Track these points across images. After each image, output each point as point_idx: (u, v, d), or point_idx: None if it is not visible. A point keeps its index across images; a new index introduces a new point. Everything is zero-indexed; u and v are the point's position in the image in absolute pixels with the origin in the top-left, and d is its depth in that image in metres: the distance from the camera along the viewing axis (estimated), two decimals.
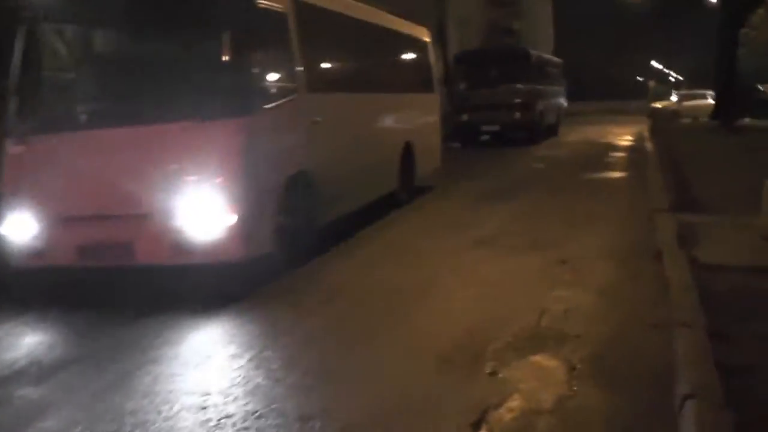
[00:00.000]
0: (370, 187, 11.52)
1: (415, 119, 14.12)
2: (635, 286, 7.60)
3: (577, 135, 29.82)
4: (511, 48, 31.33)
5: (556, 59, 33.91)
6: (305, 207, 8.83)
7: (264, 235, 7.90)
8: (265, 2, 8.29)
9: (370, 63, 12.22)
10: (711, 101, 36.75)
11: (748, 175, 14.69)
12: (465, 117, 25.81)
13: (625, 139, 27.09)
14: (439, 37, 31.36)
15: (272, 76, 8.45)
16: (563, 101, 32.97)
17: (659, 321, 6.30)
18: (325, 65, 10.39)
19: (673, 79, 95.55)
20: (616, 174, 16.68)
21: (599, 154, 21.19)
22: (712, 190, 12.91)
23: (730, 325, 5.83)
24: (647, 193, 13.04)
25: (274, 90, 8.37)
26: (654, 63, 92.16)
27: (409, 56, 14.37)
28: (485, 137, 26.57)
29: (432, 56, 15.34)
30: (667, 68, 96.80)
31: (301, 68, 9.06)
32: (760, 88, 41.73)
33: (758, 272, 7.57)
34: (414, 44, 14.47)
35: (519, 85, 25.56)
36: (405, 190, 13.19)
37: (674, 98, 46.11)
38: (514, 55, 26.86)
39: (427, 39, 15.16)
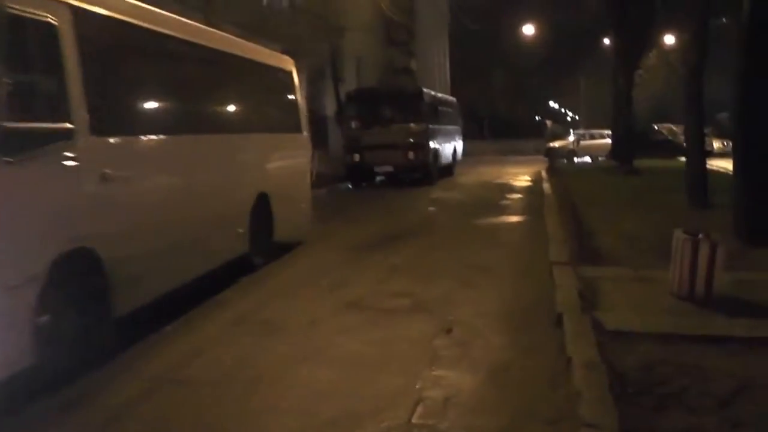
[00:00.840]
0: (200, 257, 9.00)
1: (274, 165, 11.55)
2: (531, 364, 6.29)
3: (474, 175, 28.82)
4: (404, 87, 30.22)
5: (451, 98, 33.03)
6: (89, 297, 6.48)
7: (15, 345, 5.56)
8: (23, 8, 5.76)
9: (202, 96, 9.66)
10: (608, 141, 36.51)
11: (651, 219, 13.76)
12: (357, 158, 24.46)
13: (523, 180, 26.15)
14: (333, 73, 30.02)
15: (30, 113, 5.83)
16: (459, 141, 32.00)
17: (558, 415, 5.09)
18: (123, 98, 7.56)
19: (569, 119, 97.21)
20: (513, 219, 15.47)
21: (496, 197, 20.06)
22: (615, 237, 11.82)
23: (645, 418, 4.93)
24: (546, 241, 11.78)
25: (31, 132, 5.79)
26: (552, 103, 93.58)
27: (263, 89, 11.84)
28: (380, 178, 25.26)
29: (298, 90, 12.95)
30: (564, 108, 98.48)
31: (82, 102, 6.42)
32: (656, 127, 42.01)
33: (673, 341, 6.49)
34: (272, 74, 12.04)
35: (413, 125, 24.39)
36: (261, 251, 10.74)
37: (572, 138, 45.94)
38: (407, 94, 25.72)
39: (290, 69, 12.69)
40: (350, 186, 24.36)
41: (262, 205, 10.72)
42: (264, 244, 10.84)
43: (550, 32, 50.12)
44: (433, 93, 27.00)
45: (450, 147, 28.66)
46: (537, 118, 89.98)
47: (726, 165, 19.71)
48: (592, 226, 12.85)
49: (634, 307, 7.73)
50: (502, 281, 9.55)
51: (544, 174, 26.87)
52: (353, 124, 25.17)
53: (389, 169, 24.42)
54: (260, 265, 10.62)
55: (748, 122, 11.22)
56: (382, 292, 9.04)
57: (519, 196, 20.43)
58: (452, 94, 38.81)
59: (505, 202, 18.80)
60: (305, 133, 13.10)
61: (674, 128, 44.60)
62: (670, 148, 37.95)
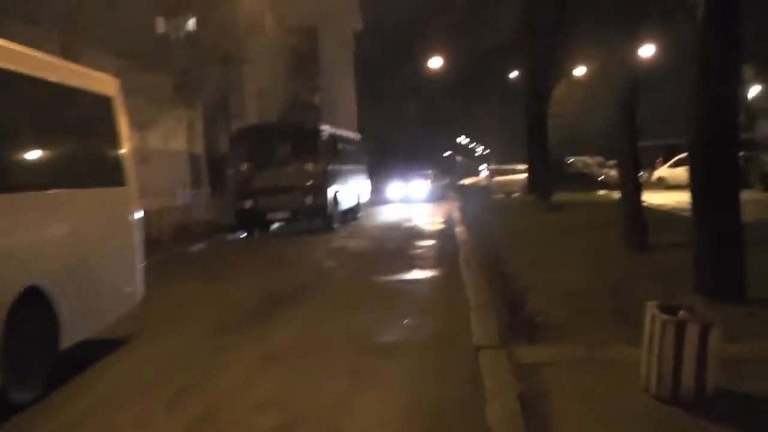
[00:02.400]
0: None
1: (64, 238, 7.51)
2: None
3: (381, 218, 26.33)
4: (300, 123, 27.26)
5: (354, 135, 30.37)
6: None
7: None
8: None
9: None
10: (522, 176, 34.76)
11: (589, 266, 11.53)
12: (249, 203, 21.69)
13: (435, 222, 23.65)
14: (224, 108, 27.28)
15: None
16: (365, 181, 29.49)
17: None
18: None
19: (480, 154, 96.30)
20: (424, 274, 12.89)
21: (404, 244, 17.49)
22: (553, 295, 9.45)
23: None
24: (467, 307, 9.31)
25: None
26: (461, 138, 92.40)
27: (52, 121, 7.74)
28: (278, 224, 22.54)
29: (122, 124, 8.98)
30: (475, 142, 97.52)
31: None
32: (570, 160, 40.62)
33: None
34: (71, 100, 8.04)
35: (310, 165, 21.78)
36: (31, 378, 6.76)
37: (484, 173, 44.11)
38: (303, 131, 22.96)
39: (108, 93, 8.80)
40: (242, 235, 21.49)
41: (32, 305, 6.78)
42: (37, 365, 6.87)
43: (459, 64, 48.60)
44: (332, 129, 24.38)
45: (354, 188, 26.01)
46: (447, 153, 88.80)
47: (650, 198, 17.54)
48: (522, 281, 10.49)
49: (599, 418, 5.33)
50: (409, 376, 6.98)
51: (456, 214, 24.58)
52: (243, 166, 22.42)
53: (285, 215, 21.66)
54: (27, 404, 6.57)
55: (710, 158, 9.05)
56: (244, 403, 6.38)
57: (431, 242, 17.85)
58: (361, 132, 36.54)
59: (415, 251, 16.27)
60: (130, 185, 9.09)
61: (589, 160, 43.47)
62: (586, 181, 36.73)
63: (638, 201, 13.91)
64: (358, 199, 26.92)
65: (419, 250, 16.29)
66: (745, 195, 9.63)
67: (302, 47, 37.46)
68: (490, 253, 13.61)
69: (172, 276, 13.87)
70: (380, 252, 16.34)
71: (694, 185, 9.30)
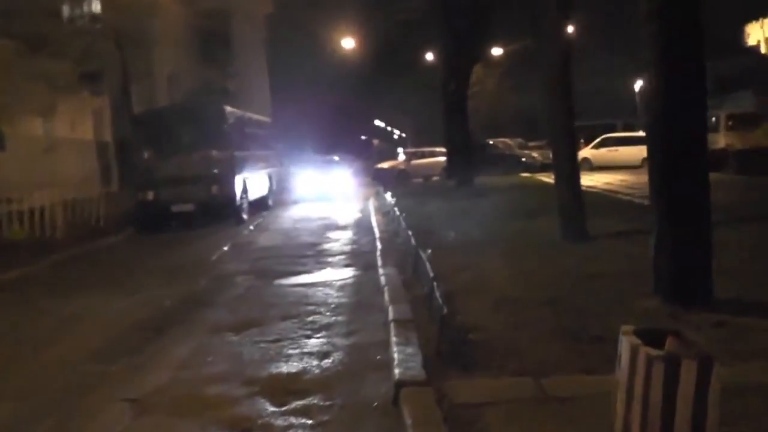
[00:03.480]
0: None
1: None
2: None
3: (294, 208, 24.48)
4: (203, 104, 25.07)
5: (263, 118, 28.30)
6: None
7: None
8: None
9: None
10: (441, 159, 33.48)
11: (527, 265, 10.14)
12: (150, 195, 19.70)
13: (351, 211, 21.99)
14: (124, 94, 25.11)
15: None
16: (277, 168, 27.64)
17: None
18: None
19: (397, 137, 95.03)
20: (338, 275, 11.15)
21: (317, 238, 15.80)
22: (488, 303, 8.03)
23: None
24: (383, 319, 7.76)
25: None
26: (377, 121, 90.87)
27: None
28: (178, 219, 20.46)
29: None
30: (391, 126, 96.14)
31: None
32: (490, 142, 39.53)
33: None
34: None
35: (215, 152, 19.89)
36: None
37: (402, 157, 42.68)
38: (206, 114, 20.90)
39: None
40: (140, 230, 19.41)
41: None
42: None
43: (373, 46, 47.14)
44: (239, 112, 22.47)
45: (264, 176, 24.09)
46: (363, 137, 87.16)
47: None
48: (448, 283, 8.97)
49: None
50: None
51: (373, 201, 23.04)
52: (145, 154, 20.44)
53: (190, 207, 19.66)
54: None
55: (673, 139, 7.69)
56: None
57: (347, 235, 16.17)
58: (274, 118, 34.75)
59: (326, 245, 14.61)
60: None
61: (509, 141, 42.50)
62: (507, 164, 35.73)
63: (577, 186, 12.60)
64: (270, 187, 25.09)
65: (334, 245, 14.65)
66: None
67: (214, 30, 36.05)
68: (410, 249, 12.09)
69: (51, 286, 12.00)
70: (290, 248, 14.60)
71: (654, 170, 7.94)
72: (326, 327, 7.93)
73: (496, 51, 39.75)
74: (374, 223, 16.93)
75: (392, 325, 7.28)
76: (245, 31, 46.75)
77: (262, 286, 10.56)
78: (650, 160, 8.03)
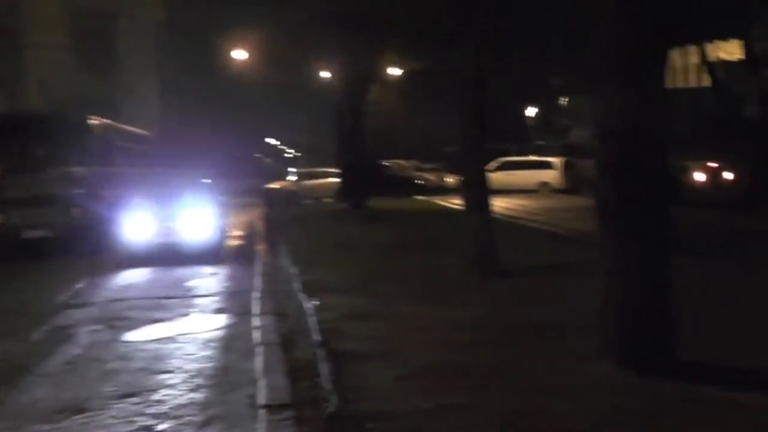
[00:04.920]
0: None
1: None
2: None
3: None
4: (62, 113, 22.25)
5: (141, 132, 25.74)
6: None
7: None
8: None
9: None
10: (334, 180, 31.76)
11: (430, 310, 8.39)
12: (1, 218, 16.98)
13: (235, 237, 19.60)
14: None
15: None
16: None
17: None
18: None
19: (290, 156, 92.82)
20: (202, 325, 8.98)
21: (186, 272, 13.14)
22: (391, 367, 6.20)
23: None
24: (252, 404, 5.79)
25: None
26: (269, 139, 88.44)
27: None
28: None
29: None
30: (283, 144, 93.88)
31: None
32: (385, 164, 38.15)
33: None
34: None
35: (77, 168, 17.33)
36: None
37: (293, 177, 40.72)
38: (67, 124, 18.17)
39: None
40: None
41: None
42: None
43: (268, 61, 45.22)
44: (109, 122, 19.99)
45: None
46: (256, 155, 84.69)
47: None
48: (345, 341, 7.13)
49: None
50: None
51: (259, 225, 20.96)
52: None
53: (45, 233, 16.90)
54: None
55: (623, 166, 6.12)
56: None
57: (221, 269, 13.75)
58: (164, 134, 32.30)
59: (198, 280, 12.42)
60: None
61: (405, 163, 41.19)
62: (403, 186, 34.34)
63: (487, 215, 10.99)
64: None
65: (204, 279, 12.48)
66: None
67: (96, 34, 33.53)
68: (294, 288, 10.17)
69: None
70: (150, 284, 12.35)
71: (603, 203, 6.31)
72: (175, 411, 5.87)
73: (394, 71, 38.34)
74: (257, 253, 14.87)
75: (266, 412, 5.33)
76: (133, 37, 44.22)
77: (108, 343, 8.29)
78: (599, 190, 6.41)
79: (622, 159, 6.12)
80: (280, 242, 15.55)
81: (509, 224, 18.23)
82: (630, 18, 6.09)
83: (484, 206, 11.03)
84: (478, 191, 11.09)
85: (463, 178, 11.72)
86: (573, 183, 33.03)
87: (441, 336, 7.35)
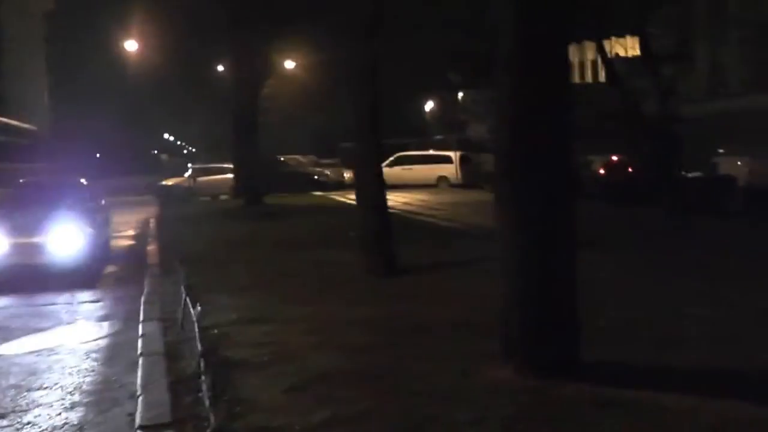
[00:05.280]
0: None
1: None
2: None
3: None
4: None
5: (24, 126, 24.39)
6: None
7: None
8: None
9: None
10: (230, 176, 31.06)
11: (334, 315, 8.10)
12: None
13: (125, 235, 18.80)
14: None
15: None
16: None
17: None
18: None
19: (189, 152, 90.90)
20: (85, 334, 8.46)
21: (70, 275, 11.82)
22: (283, 376, 5.94)
23: None
24: (131, 422, 5.36)
25: None
26: (167, 135, 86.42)
27: None
28: None
29: None
30: (181, 140, 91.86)
31: None
32: (282, 159, 37.62)
33: None
34: None
35: None
36: None
37: (188, 173, 39.63)
38: None
39: None
40: None
41: None
42: None
43: (163, 54, 43.88)
44: None
45: None
46: (154, 152, 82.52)
47: None
48: (234, 348, 6.76)
49: None
50: None
51: (153, 224, 20.22)
52: None
53: None
54: None
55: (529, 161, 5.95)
56: None
57: (108, 270, 13.25)
58: (57, 128, 30.79)
59: (83, 290, 11.52)
60: None
61: (302, 159, 40.73)
62: (300, 182, 33.85)
63: (384, 211, 10.77)
64: None
65: (88, 291, 11.52)
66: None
67: None
68: (183, 292, 9.69)
69: None
70: (31, 295, 11.38)
71: (506, 197, 6.11)
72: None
73: (291, 65, 37.79)
74: (148, 254, 14.25)
75: None
76: (20, 26, 42.36)
77: None
78: (496, 182, 6.23)
79: (516, 149, 5.94)
80: (171, 242, 14.96)
81: (408, 220, 18.10)
82: (521, 8, 5.92)
83: (380, 203, 10.79)
84: (373, 187, 10.83)
85: (357, 174, 11.46)
86: (470, 177, 33.28)
87: (336, 339, 7.04)
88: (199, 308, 7.21)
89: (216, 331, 7.41)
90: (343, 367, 6.13)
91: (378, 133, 10.90)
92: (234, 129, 26.75)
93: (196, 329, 6.88)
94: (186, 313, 7.67)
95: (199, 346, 6.25)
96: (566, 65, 6.19)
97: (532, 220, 5.88)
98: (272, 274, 10.95)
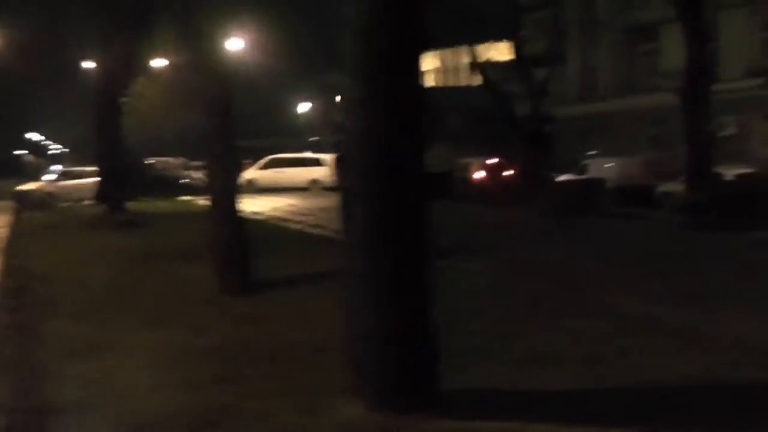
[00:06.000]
0: None
1: None
2: None
3: None
4: None
5: None
6: None
7: None
8: None
9: None
10: (94, 180, 29.51)
11: (163, 325, 7.36)
12: None
13: None
14: None
15: None
16: None
17: None
18: None
19: (55, 153, 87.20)
20: None
21: None
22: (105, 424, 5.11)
23: None
24: None
25: None
26: (32, 135, 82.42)
27: None
28: None
29: None
30: (49, 140, 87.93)
31: None
32: (149, 161, 36.31)
33: None
34: None
35: None
36: None
37: (50, 177, 37.67)
38: None
39: None
40: None
41: None
42: None
43: (27, 48, 41.66)
44: None
45: None
46: (17, 153, 78.58)
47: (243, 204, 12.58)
48: (61, 390, 5.97)
49: None
50: None
51: (7, 233, 18.90)
52: None
53: None
54: None
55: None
56: None
57: None
58: None
59: None
60: None
61: (173, 161, 39.54)
62: (167, 186, 32.74)
63: (235, 221, 10.08)
64: None
65: None
66: None
67: None
68: (30, 315, 8.77)
69: None
70: None
71: (357, 203, 5.54)
72: None
73: (161, 63, 36.47)
74: None
75: None
76: None
77: None
78: (348, 189, 5.70)
79: (359, 156, 5.43)
80: (16, 255, 13.82)
81: (273, 227, 17.48)
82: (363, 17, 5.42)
83: (232, 213, 10.08)
84: (225, 196, 10.11)
85: (209, 181, 10.71)
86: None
87: (176, 373, 6.31)
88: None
89: (41, 365, 6.56)
90: (175, 412, 5.39)
91: (231, 137, 10.19)
92: (97, 129, 25.21)
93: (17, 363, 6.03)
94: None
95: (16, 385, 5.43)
96: (419, 70, 5.67)
97: (380, 234, 5.33)
98: (119, 293, 10.06)
